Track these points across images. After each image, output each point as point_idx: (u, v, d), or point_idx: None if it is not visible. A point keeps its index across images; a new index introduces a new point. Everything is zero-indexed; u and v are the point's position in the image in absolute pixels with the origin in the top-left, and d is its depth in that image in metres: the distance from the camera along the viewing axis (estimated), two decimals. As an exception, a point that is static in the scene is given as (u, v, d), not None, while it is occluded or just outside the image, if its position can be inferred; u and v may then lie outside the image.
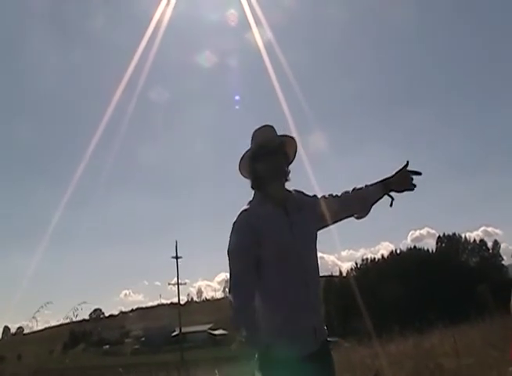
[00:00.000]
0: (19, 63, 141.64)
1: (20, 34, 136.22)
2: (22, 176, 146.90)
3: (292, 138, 2.75)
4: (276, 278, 2.54)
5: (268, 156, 2.65)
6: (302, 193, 2.80)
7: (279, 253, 2.53)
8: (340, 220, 2.83)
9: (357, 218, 2.85)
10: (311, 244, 2.69)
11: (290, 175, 2.75)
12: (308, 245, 2.66)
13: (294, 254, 2.56)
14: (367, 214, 2.82)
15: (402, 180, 2.73)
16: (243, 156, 2.70)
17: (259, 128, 2.75)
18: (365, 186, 2.78)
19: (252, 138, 2.73)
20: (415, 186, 2.73)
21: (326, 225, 2.79)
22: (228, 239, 2.59)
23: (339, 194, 2.80)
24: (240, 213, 2.60)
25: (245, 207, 2.65)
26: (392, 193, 2.77)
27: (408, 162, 2.73)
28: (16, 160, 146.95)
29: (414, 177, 2.74)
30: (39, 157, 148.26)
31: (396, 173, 2.73)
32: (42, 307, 7.19)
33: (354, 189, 2.79)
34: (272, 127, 2.75)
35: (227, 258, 2.59)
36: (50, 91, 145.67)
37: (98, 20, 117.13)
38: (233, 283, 2.55)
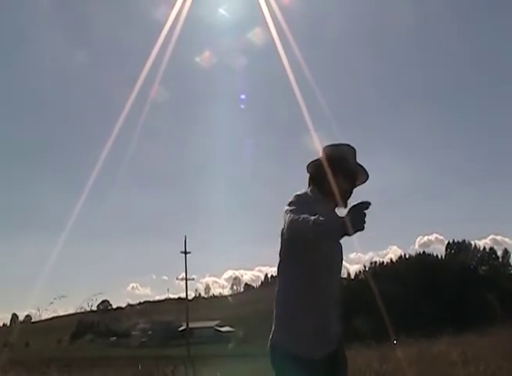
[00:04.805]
0: (40, 63, 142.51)
1: (32, 33, 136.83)
2: (41, 172, 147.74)
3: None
4: (310, 274, 2.58)
5: (352, 180, 2.74)
6: None
7: (319, 249, 2.56)
8: None
9: None
10: (342, 250, 2.78)
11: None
12: (340, 250, 2.76)
13: (331, 255, 2.65)
14: None
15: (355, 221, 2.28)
16: (336, 156, 2.72)
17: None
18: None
19: (349, 152, 2.77)
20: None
21: None
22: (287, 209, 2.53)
23: None
24: (298, 195, 2.64)
25: (300, 192, 2.69)
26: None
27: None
28: (33, 157, 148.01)
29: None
30: (53, 154, 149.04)
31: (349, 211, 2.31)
32: (56, 299, 7.28)
33: None
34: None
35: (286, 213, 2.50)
36: (54, 91, 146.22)
37: (105, 22, 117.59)
38: (293, 215, 2.41)
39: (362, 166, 2.77)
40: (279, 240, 2.66)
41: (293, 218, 2.36)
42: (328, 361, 2.58)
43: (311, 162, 2.80)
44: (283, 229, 2.56)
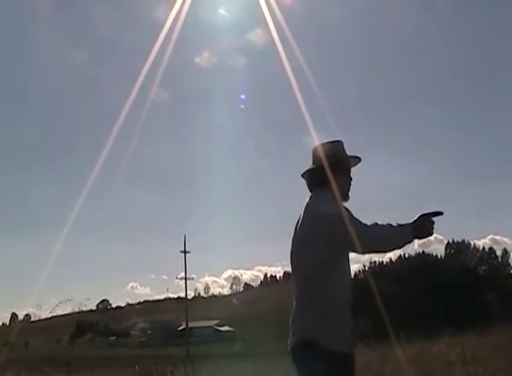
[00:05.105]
0: (40, 62, 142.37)
1: (32, 33, 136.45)
2: (41, 172, 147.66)
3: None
4: (342, 276, 2.72)
5: (349, 174, 2.87)
6: None
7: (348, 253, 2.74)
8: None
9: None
10: None
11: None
12: None
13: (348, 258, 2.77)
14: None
15: (424, 226, 2.59)
16: (335, 156, 2.79)
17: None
18: (398, 224, 2.59)
19: (343, 148, 2.86)
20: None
21: None
22: (322, 207, 2.65)
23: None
24: (328, 201, 2.69)
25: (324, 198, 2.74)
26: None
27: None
28: (33, 157, 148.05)
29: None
30: (53, 154, 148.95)
31: (419, 218, 2.58)
32: (62, 303, 7.31)
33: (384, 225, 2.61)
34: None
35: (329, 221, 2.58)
36: (54, 91, 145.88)
37: (105, 22, 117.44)
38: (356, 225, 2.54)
39: (353, 156, 2.87)
40: (310, 239, 2.68)
41: (380, 231, 2.53)
42: (348, 358, 2.69)
43: (307, 171, 2.85)
44: (335, 237, 2.58)
